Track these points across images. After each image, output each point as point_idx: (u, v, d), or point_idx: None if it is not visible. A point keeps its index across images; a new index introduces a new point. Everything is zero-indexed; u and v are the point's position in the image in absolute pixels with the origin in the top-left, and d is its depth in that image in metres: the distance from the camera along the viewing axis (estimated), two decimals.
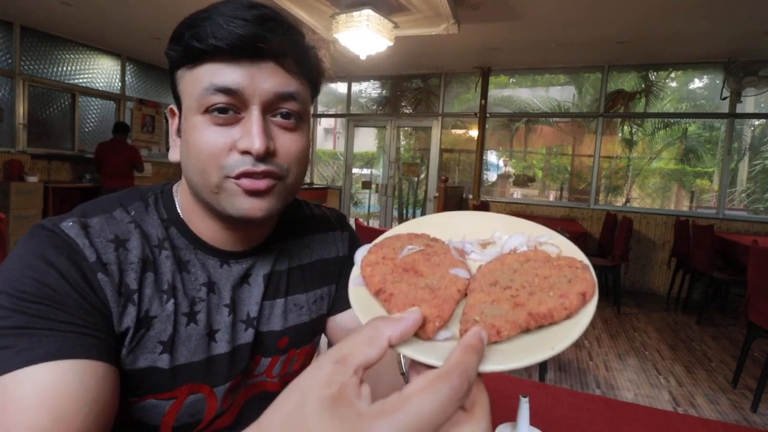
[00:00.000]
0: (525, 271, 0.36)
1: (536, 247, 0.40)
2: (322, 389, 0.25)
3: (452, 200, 5.29)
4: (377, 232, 2.55)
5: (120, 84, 6.02)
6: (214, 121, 0.49)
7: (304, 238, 0.68)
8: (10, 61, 4.85)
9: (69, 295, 0.44)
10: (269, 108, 0.50)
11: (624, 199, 5.64)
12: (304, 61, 0.53)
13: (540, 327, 0.32)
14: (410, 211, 6.99)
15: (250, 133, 0.48)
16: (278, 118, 0.51)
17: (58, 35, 5.25)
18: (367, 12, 3.33)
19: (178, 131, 0.55)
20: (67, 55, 5.42)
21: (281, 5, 3.44)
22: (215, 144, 0.49)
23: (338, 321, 0.70)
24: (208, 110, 0.49)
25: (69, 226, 0.48)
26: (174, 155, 0.56)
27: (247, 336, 0.59)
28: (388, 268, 0.37)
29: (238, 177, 0.49)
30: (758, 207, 5.10)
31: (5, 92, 4.85)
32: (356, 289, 0.37)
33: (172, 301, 0.53)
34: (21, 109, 4.94)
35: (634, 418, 0.79)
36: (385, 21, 3.50)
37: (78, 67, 5.53)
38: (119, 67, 6.01)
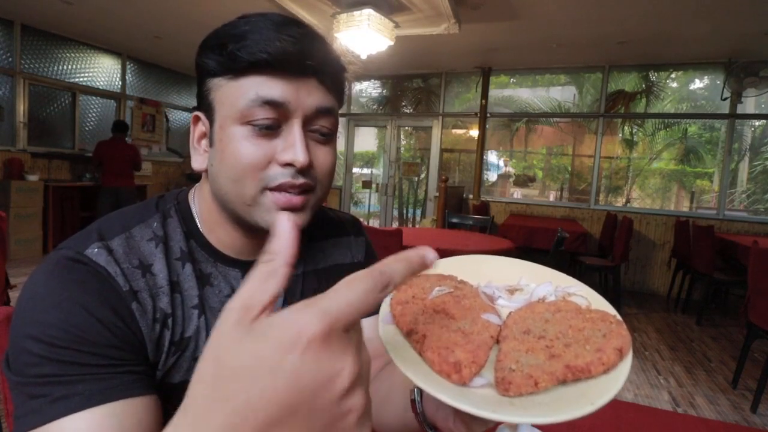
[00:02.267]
0: (557, 322, 0.36)
1: (565, 298, 0.41)
2: (232, 333, 0.21)
3: (452, 200, 5.29)
4: (378, 232, 2.55)
5: (120, 83, 6.02)
6: (255, 133, 0.49)
7: (318, 243, 0.67)
8: (10, 59, 4.84)
9: (99, 334, 0.44)
10: (308, 122, 0.51)
11: (624, 200, 5.64)
12: (338, 79, 0.54)
13: (576, 380, 0.32)
14: (410, 210, 6.99)
15: (294, 146, 0.49)
16: (315, 132, 0.52)
17: (58, 34, 5.25)
18: (368, 11, 3.33)
19: (204, 138, 0.54)
20: (68, 54, 5.42)
21: (282, 4, 3.44)
22: (256, 155, 0.49)
23: None
24: (250, 122, 0.48)
25: (95, 252, 0.47)
26: (198, 164, 0.55)
27: None
28: (418, 308, 0.37)
29: (277, 189, 0.50)
30: (758, 208, 5.10)
31: (6, 91, 4.85)
32: (386, 327, 0.37)
33: (203, 317, 0.53)
34: (21, 108, 4.94)
35: (634, 418, 0.79)
36: (386, 20, 3.50)
37: (78, 66, 5.53)
38: (120, 66, 6.01)
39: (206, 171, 0.55)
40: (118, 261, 0.48)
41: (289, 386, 0.20)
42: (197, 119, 0.55)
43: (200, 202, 0.57)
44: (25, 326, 0.43)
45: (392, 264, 0.25)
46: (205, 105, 0.53)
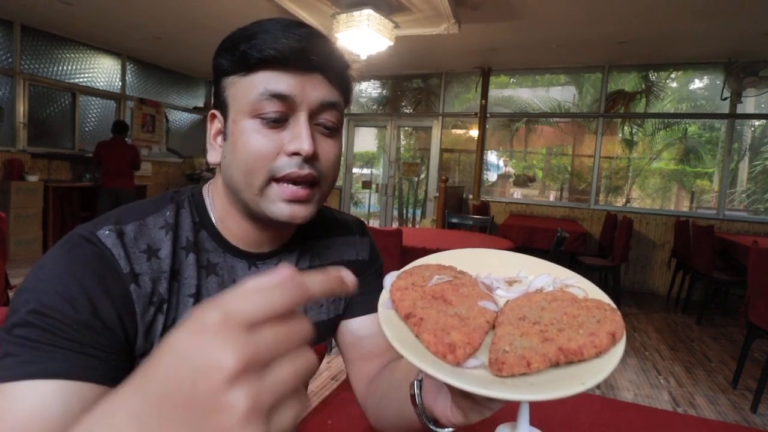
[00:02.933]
0: (553, 309, 0.37)
1: (562, 289, 0.41)
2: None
3: (452, 200, 5.29)
4: (378, 232, 2.55)
5: (120, 83, 6.02)
6: (264, 125, 0.52)
7: (325, 240, 0.70)
8: (10, 60, 4.85)
9: (85, 312, 0.46)
10: (313, 115, 0.54)
11: (624, 200, 5.64)
12: (342, 75, 0.57)
13: (569, 363, 0.32)
14: (410, 211, 6.98)
15: (300, 136, 0.52)
16: (320, 126, 0.55)
17: (58, 34, 5.25)
18: (368, 12, 3.33)
19: (220, 135, 0.58)
20: (68, 54, 5.42)
21: (282, 5, 3.44)
22: (265, 146, 0.52)
23: (350, 326, 0.71)
24: (259, 115, 0.52)
25: (105, 234, 0.50)
26: (213, 158, 0.58)
27: None
28: (417, 295, 0.38)
29: (284, 180, 0.52)
30: (758, 207, 5.10)
31: (5, 91, 4.85)
32: (386, 312, 0.38)
33: (197, 306, 0.54)
34: (21, 108, 4.95)
35: (634, 418, 0.79)
36: (386, 21, 3.50)
37: (78, 67, 5.54)
38: (119, 67, 6.01)
39: (221, 165, 0.58)
40: (126, 245, 0.51)
41: (175, 360, 0.22)
42: (213, 117, 0.58)
43: (214, 195, 0.60)
44: (25, 290, 0.46)
45: (312, 276, 0.26)
46: (220, 102, 0.56)
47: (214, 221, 0.59)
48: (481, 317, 0.36)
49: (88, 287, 0.47)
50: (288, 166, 0.52)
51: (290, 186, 0.52)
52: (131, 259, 0.51)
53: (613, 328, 0.34)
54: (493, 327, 0.37)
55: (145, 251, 0.52)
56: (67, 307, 0.45)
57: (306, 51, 0.51)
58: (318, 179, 0.54)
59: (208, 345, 0.21)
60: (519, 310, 0.37)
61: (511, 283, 0.44)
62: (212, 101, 0.59)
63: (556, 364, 0.32)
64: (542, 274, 0.43)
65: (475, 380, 0.30)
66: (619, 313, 0.36)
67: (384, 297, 0.40)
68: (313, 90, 0.53)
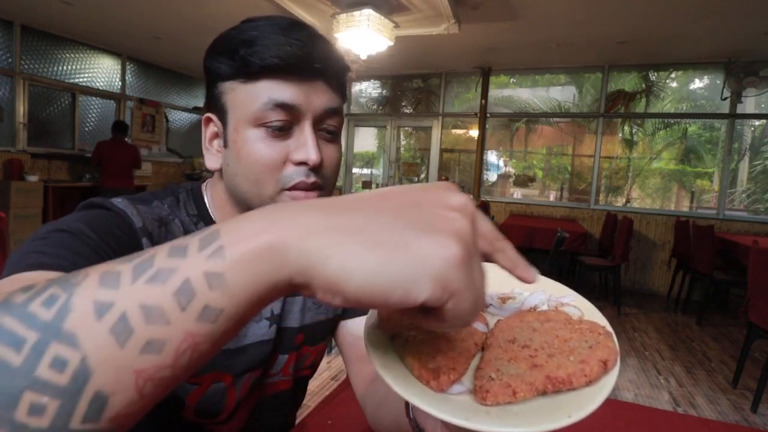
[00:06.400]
0: (545, 331, 0.36)
1: (557, 308, 0.40)
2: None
3: None
4: None
5: (120, 83, 6.02)
6: (269, 134, 0.51)
7: None
8: (10, 60, 4.84)
9: (105, 237, 0.47)
10: (317, 122, 0.54)
11: (624, 200, 5.64)
12: (341, 79, 0.57)
13: (557, 391, 0.31)
14: None
15: (306, 145, 0.52)
16: (323, 131, 0.55)
17: (58, 34, 5.24)
18: (368, 12, 3.33)
19: (216, 139, 0.57)
20: (68, 55, 5.42)
21: (282, 5, 3.44)
22: (271, 157, 0.52)
23: (349, 326, 0.71)
24: (264, 124, 0.51)
25: (119, 201, 0.52)
26: (212, 163, 0.57)
27: (270, 332, 0.62)
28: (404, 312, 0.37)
29: (293, 188, 0.52)
30: (758, 207, 5.10)
31: (5, 91, 4.84)
32: (372, 330, 0.37)
33: None
34: (21, 109, 4.94)
35: (634, 418, 0.79)
36: (386, 21, 3.50)
37: (78, 67, 5.53)
38: (119, 67, 6.01)
39: (220, 170, 0.57)
40: (139, 210, 0.53)
41: (406, 191, 0.27)
42: (209, 120, 0.57)
43: (213, 197, 0.61)
44: (39, 231, 0.46)
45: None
46: (217, 107, 0.55)
47: (212, 216, 0.60)
48: (469, 339, 0.35)
49: (104, 233, 0.47)
50: (296, 175, 0.52)
51: (300, 192, 0.52)
52: (144, 219, 0.52)
53: (606, 355, 0.32)
54: (483, 348, 0.36)
55: (157, 220, 0.54)
56: (87, 229, 0.46)
57: (309, 58, 0.50)
58: (322, 185, 0.55)
59: (446, 191, 0.27)
60: (509, 332, 0.36)
61: (504, 299, 0.42)
62: (205, 103, 0.58)
63: (543, 393, 0.31)
64: (537, 291, 0.42)
65: (459, 408, 0.29)
66: (613, 337, 0.35)
67: (371, 314, 0.39)
68: (317, 98, 0.52)
